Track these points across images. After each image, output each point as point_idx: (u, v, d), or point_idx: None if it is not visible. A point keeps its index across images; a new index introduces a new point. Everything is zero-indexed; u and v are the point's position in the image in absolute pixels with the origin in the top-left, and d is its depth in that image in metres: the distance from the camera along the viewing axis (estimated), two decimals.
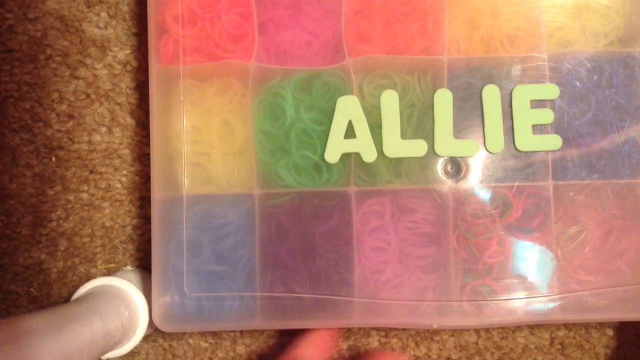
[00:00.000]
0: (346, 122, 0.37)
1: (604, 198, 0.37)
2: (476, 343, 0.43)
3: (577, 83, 0.37)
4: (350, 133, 0.37)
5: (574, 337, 0.43)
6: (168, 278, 0.37)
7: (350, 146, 0.37)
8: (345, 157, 0.37)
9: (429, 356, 0.43)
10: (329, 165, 0.37)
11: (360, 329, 0.43)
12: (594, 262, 0.37)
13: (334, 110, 0.37)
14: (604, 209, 0.37)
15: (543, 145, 0.37)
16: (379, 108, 0.37)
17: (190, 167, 0.38)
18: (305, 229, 0.38)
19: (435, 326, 0.36)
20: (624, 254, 0.37)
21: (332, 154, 0.37)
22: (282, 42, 0.38)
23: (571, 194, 0.37)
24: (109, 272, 0.44)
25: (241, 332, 0.44)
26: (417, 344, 0.43)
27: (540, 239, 0.37)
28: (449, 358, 0.43)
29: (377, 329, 0.43)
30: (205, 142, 0.38)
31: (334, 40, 0.38)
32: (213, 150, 0.38)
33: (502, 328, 0.43)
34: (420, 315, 0.37)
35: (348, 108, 0.37)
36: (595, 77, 0.37)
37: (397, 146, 0.37)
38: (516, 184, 0.37)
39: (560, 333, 0.43)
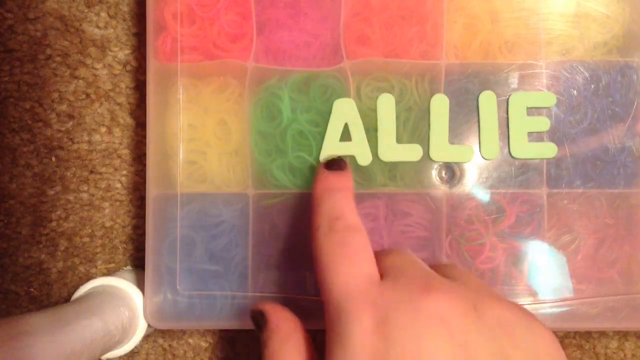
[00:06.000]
0: (342, 125, 0.37)
1: (598, 207, 0.37)
2: None
3: (574, 91, 0.37)
4: (346, 136, 0.37)
5: (574, 337, 0.43)
6: (161, 275, 0.38)
7: (345, 149, 0.37)
8: None
9: None
10: None
11: None
12: (586, 270, 0.37)
13: (330, 112, 0.37)
14: (597, 218, 0.37)
15: (538, 153, 0.37)
16: (376, 111, 0.37)
17: (186, 165, 0.38)
18: (299, 230, 0.38)
19: None
20: (616, 263, 0.37)
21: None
22: (281, 43, 0.38)
23: (565, 202, 0.37)
24: (109, 272, 0.44)
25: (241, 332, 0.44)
26: None
27: (533, 247, 0.37)
28: None
29: None
30: (201, 140, 0.38)
31: (332, 42, 0.38)
32: (209, 148, 0.38)
33: None
34: None
35: (345, 111, 0.37)
36: (592, 86, 0.37)
37: (393, 150, 0.37)
38: (510, 190, 0.37)
39: (560, 333, 0.43)
